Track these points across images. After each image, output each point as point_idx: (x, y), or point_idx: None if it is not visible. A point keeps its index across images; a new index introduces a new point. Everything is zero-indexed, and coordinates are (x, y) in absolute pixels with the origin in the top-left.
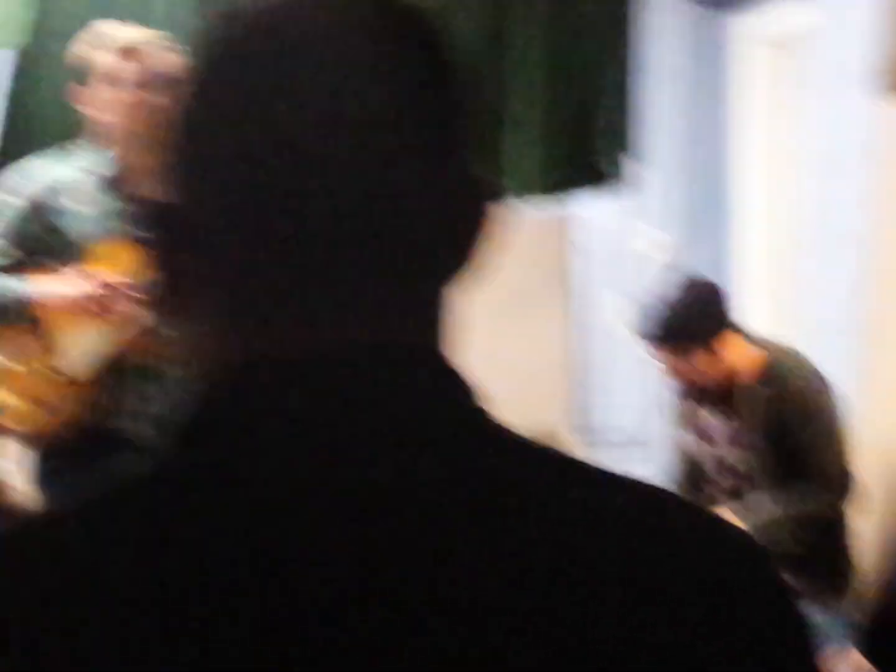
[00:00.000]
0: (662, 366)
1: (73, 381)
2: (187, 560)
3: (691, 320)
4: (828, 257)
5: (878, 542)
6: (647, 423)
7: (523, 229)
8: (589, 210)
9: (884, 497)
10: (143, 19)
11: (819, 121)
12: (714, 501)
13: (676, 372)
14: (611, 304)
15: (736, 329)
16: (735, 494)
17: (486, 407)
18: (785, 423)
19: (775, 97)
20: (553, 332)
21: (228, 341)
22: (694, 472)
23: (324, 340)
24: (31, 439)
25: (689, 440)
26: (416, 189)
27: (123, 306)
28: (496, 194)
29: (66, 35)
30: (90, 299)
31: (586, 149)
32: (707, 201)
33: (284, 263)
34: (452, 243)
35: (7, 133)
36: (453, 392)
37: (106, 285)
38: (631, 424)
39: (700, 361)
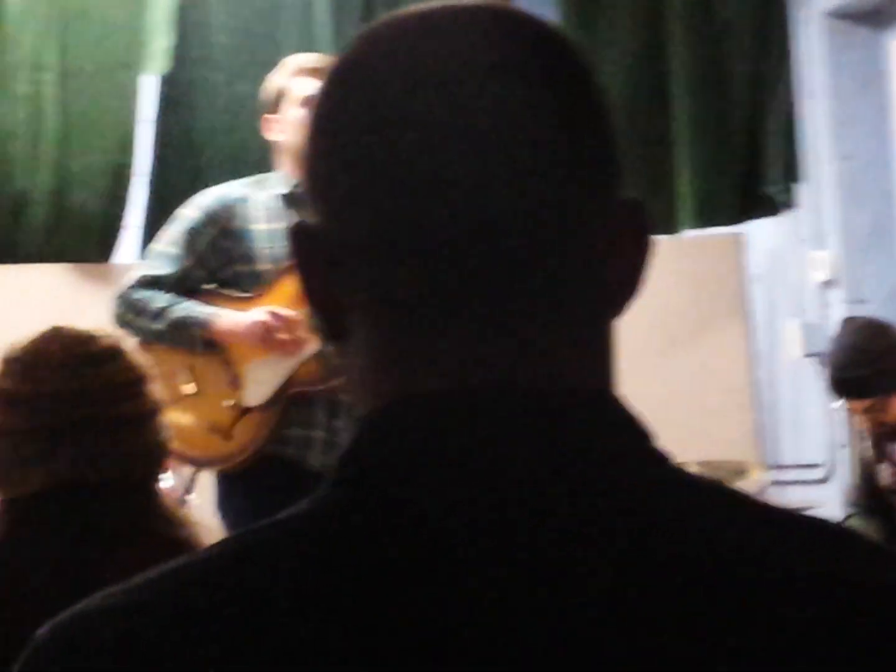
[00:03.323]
0: (855, 415)
1: (247, 409)
2: (342, 609)
3: (884, 374)
4: None
5: None
6: (838, 459)
7: (697, 256)
8: (760, 233)
9: None
10: (306, 45)
11: None
12: None
13: (871, 420)
14: (792, 332)
15: None
16: None
17: (663, 452)
18: None
19: None
20: (733, 360)
21: (385, 375)
22: (883, 506)
23: (487, 378)
24: (204, 465)
25: (882, 471)
26: (578, 217)
27: (295, 336)
28: (651, 220)
29: (208, 63)
30: (268, 332)
31: (755, 179)
32: (875, 220)
33: (442, 296)
34: (614, 273)
35: (158, 158)
36: (629, 435)
37: (277, 317)
38: (822, 459)
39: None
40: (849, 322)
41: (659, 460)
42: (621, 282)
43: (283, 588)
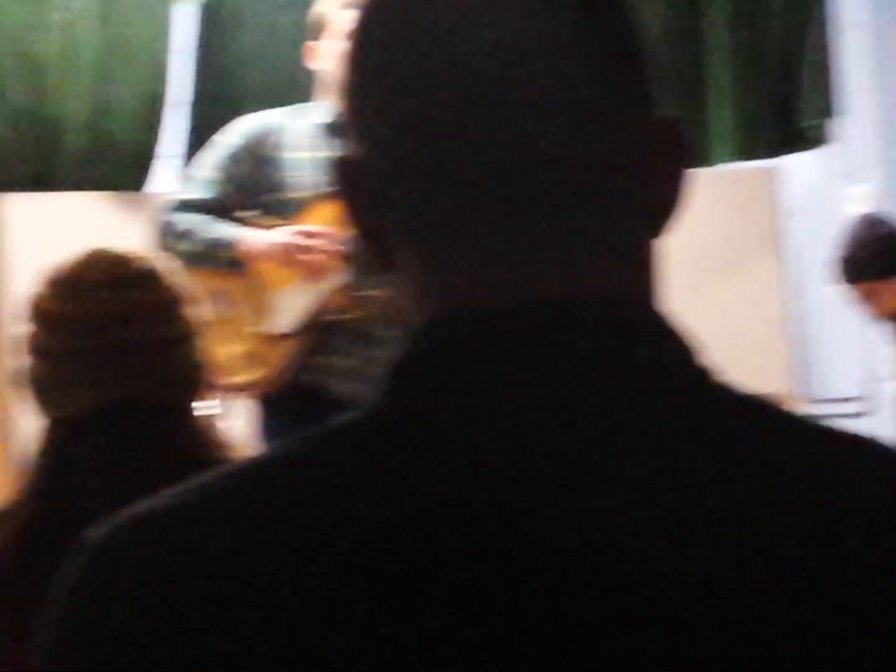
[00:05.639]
0: (861, 307)
1: (276, 336)
2: (386, 514)
3: (878, 255)
4: None
5: None
6: (870, 392)
7: (732, 189)
8: (795, 167)
9: None
10: None
11: None
12: None
13: (875, 310)
14: (825, 265)
15: None
16: None
17: (707, 365)
18: None
19: None
20: (767, 294)
21: (431, 294)
22: None
23: (534, 292)
24: (232, 391)
25: None
26: (613, 134)
27: (325, 260)
28: (689, 141)
29: None
30: (294, 251)
31: (792, 113)
32: None
33: (484, 214)
34: (654, 191)
35: (198, 87)
36: (674, 350)
37: (310, 237)
38: (853, 392)
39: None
40: (861, 217)
41: (705, 374)
42: (661, 199)
43: (332, 494)
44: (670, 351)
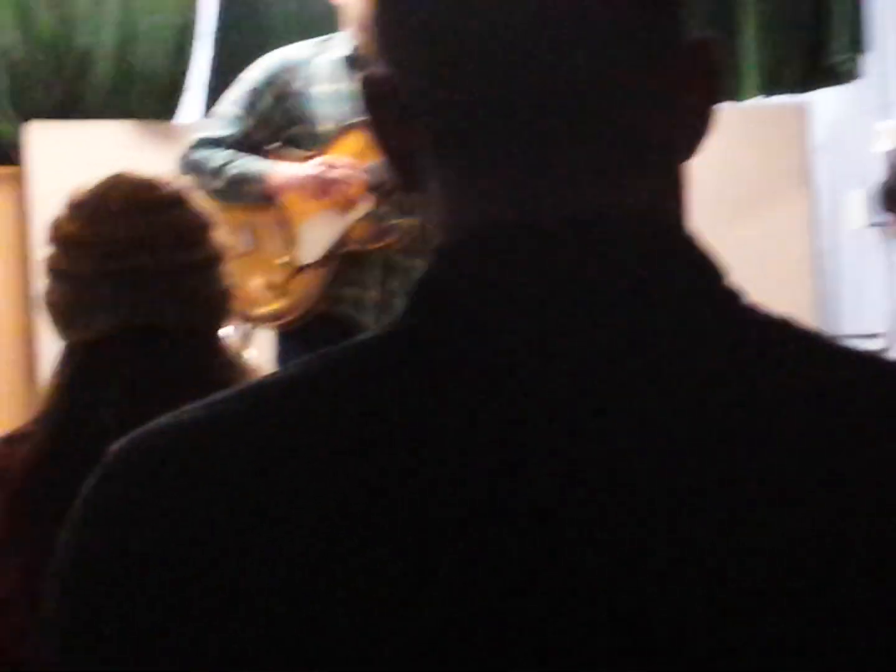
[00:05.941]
0: None
1: (301, 267)
2: (404, 430)
3: None
4: None
5: None
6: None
7: (761, 125)
8: (824, 103)
9: None
10: None
11: None
12: None
13: None
14: (855, 202)
15: None
16: None
17: (737, 288)
18: None
19: None
20: (795, 230)
21: (459, 213)
22: None
23: (563, 211)
24: (259, 321)
25: None
26: (645, 55)
27: (351, 191)
28: (723, 62)
29: None
30: (320, 183)
31: (824, 48)
32: None
33: (513, 133)
34: (683, 112)
35: (224, 19)
36: (704, 269)
37: (335, 169)
38: (883, 329)
39: None
40: None
41: (735, 296)
42: (691, 120)
43: (349, 414)
44: (701, 270)
